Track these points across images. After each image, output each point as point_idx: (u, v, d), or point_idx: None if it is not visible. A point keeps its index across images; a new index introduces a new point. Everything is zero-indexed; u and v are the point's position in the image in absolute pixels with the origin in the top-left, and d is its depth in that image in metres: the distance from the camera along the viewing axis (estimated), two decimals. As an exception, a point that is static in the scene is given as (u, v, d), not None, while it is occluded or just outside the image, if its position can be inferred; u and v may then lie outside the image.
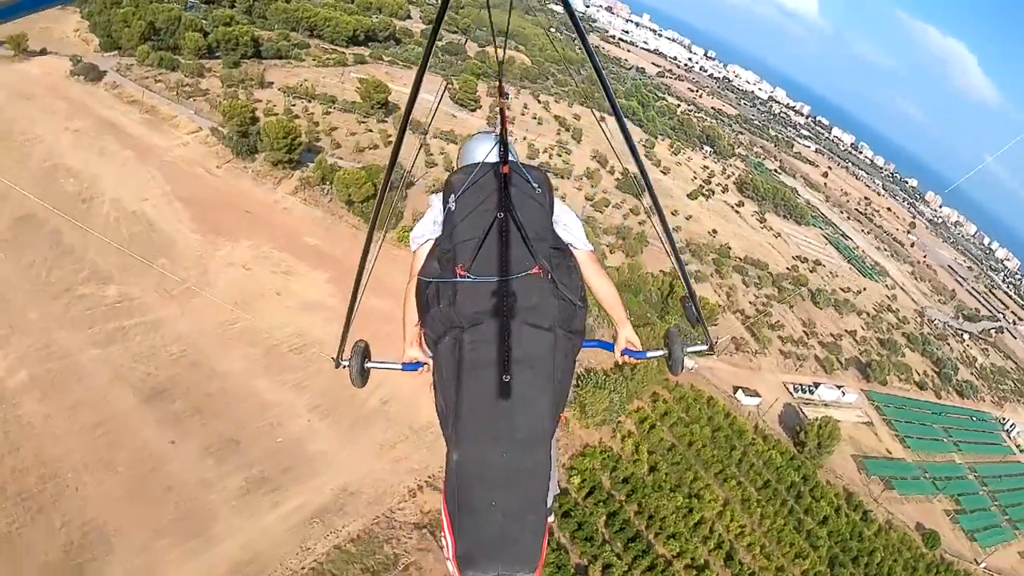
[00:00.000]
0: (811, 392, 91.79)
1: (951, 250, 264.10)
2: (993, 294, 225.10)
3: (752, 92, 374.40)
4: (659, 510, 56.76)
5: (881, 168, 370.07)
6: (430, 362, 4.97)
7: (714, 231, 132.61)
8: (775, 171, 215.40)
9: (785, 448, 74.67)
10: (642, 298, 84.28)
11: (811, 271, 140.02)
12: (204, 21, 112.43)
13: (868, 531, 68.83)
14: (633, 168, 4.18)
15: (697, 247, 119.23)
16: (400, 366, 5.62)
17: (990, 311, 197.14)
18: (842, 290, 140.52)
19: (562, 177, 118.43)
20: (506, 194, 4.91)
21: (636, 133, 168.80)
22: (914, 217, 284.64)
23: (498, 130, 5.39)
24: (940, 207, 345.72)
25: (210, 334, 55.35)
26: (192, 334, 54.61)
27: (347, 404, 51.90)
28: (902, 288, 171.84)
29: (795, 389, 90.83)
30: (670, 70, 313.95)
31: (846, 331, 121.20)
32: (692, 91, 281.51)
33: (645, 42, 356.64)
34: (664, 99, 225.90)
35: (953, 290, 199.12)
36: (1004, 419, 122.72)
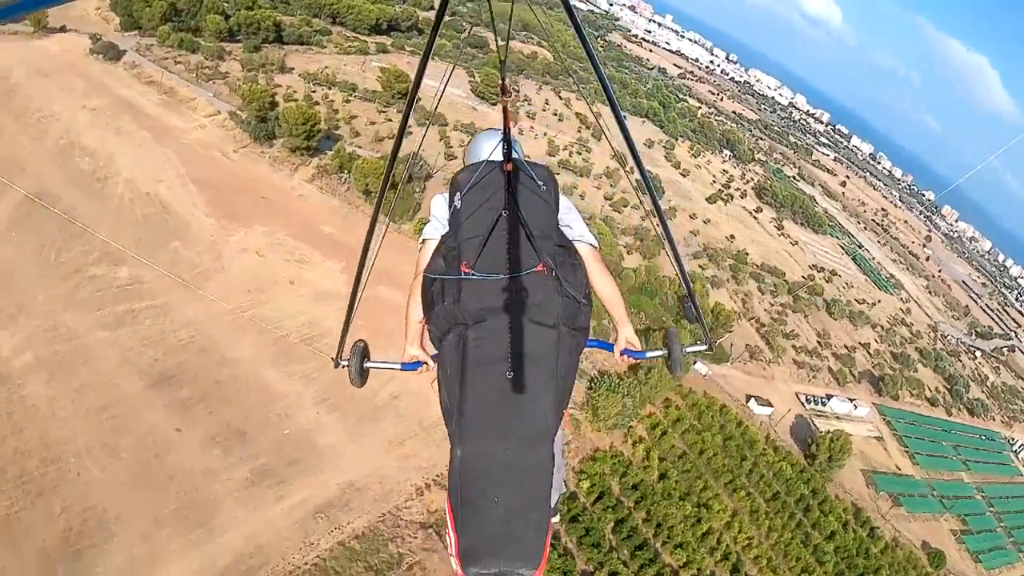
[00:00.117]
0: (823, 404, 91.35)
1: (966, 265, 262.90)
2: (1006, 312, 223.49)
3: (773, 97, 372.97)
4: (667, 518, 56.31)
5: (899, 179, 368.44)
6: (430, 361, 5.36)
7: (732, 236, 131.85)
8: (794, 178, 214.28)
9: (796, 460, 74.27)
10: (658, 301, 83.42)
11: (827, 281, 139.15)
12: (226, 4, 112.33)
13: (875, 548, 68.17)
14: (634, 167, 4.16)
15: (714, 252, 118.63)
16: (399, 366, 5.65)
17: (1003, 329, 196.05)
18: (857, 301, 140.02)
19: (581, 175, 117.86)
20: (510, 192, 4.99)
21: (656, 134, 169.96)
22: (930, 231, 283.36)
23: (504, 128, 5.29)
24: (956, 221, 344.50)
25: (220, 320, 54.65)
26: (202, 319, 54.03)
27: (357, 398, 50.90)
28: (916, 302, 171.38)
29: (807, 400, 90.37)
30: (691, 72, 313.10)
31: (860, 343, 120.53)
32: (713, 94, 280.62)
33: (667, 43, 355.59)
34: (685, 101, 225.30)
35: (967, 306, 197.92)
36: (1013, 439, 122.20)
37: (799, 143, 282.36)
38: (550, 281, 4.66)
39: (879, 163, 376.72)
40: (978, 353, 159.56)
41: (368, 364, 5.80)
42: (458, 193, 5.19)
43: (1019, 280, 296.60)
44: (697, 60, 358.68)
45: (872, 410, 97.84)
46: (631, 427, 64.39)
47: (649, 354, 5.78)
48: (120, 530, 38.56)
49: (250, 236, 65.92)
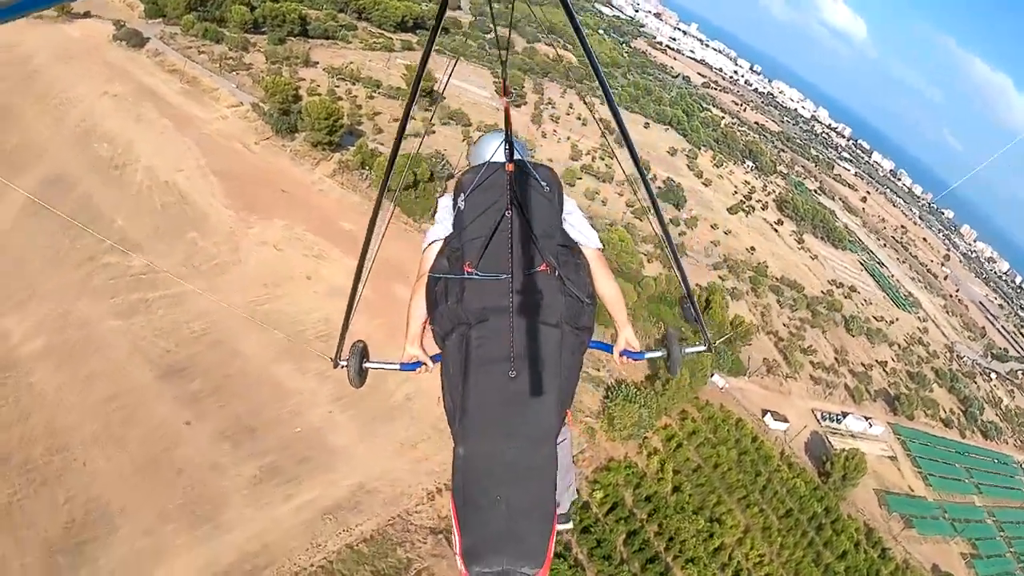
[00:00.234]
0: (838, 421, 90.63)
1: (983, 286, 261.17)
2: (1023, 334, 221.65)
3: (795, 110, 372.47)
4: (679, 532, 55.71)
5: (919, 197, 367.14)
6: (429, 362, 5.36)
7: (752, 248, 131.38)
8: (815, 192, 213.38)
9: (810, 477, 73.48)
10: (677, 311, 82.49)
11: (846, 297, 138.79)
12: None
13: (885, 570, 67.32)
14: (637, 173, 4.24)
15: (735, 263, 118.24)
16: (398, 366, 5.65)
17: (1019, 352, 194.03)
18: (875, 319, 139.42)
19: (604, 181, 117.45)
20: (512, 192, 4.97)
21: (680, 142, 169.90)
22: (948, 249, 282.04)
23: (506, 129, 5.19)
24: (975, 241, 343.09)
25: (235, 313, 53.80)
26: (216, 311, 53.08)
27: (371, 397, 50.53)
28: (934, 321, 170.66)
29: (823, 417, 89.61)
30: (715, 81, 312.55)
31: (877, 361, 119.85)
32: (736, 104, 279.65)
33: (692, 51, 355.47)
34: (708, 110, 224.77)
35: (983, 327, 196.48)
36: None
37: (821, 157, 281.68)
38: (553, 281, 4.73)
39: (899, 180, 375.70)
40: (993, 375, 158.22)
41: (367, 364, 5.81)
42: (462, 195, 5.21)
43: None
44: (721, 70, 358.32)
45: (887, 429, 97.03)
46: (646, 438, 63.72)
47: (648, 355, 5.79)
48: (124, 523, 38.03)
49: (268, 229, 65.51)
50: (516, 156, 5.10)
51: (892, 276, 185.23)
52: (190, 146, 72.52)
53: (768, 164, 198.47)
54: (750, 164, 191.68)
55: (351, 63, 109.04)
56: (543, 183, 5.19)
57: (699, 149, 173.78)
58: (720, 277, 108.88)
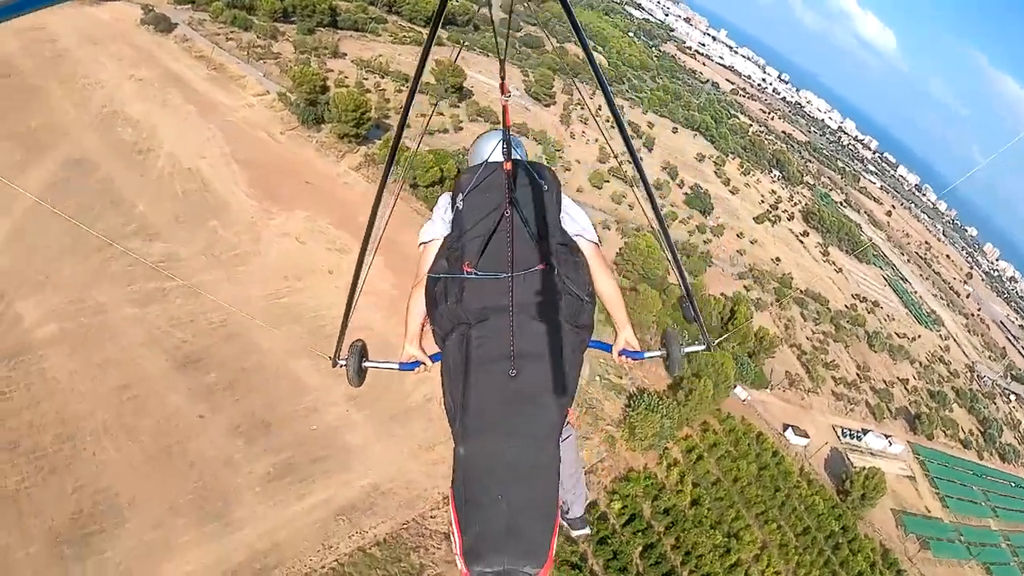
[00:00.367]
0: (859, 439, 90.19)
1: (1004, 306, 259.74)
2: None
3: (822, 120, 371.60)
4: (697, 547, 55.02)
5: (943, 213, 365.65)
6: (428, 361, 5.28)
7: (777, 259, 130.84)
8: (841, 204, 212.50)
9: (828, 495, 73.01)
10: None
11: (869, 312, 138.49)
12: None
13: (900, 593, 66.90)
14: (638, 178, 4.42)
15: (760, 274, 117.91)
16: (398, 365, 5.60)
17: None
18: (897, 335, 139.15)
19: (630, 186, 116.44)
20: (511, 191, 4.94)
21: (707, 148, 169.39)
22: (971, 267, 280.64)
23: (504, 128, 5.25)
24: (997, 260, 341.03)
25: (254, 306, 53.66)
26: (235, 303, 52.88)
27: (389, 397, 49.99)
28: (955, 340, 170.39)
29: (843, 434, 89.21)
30: (743, 88, 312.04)
31: (898, 378, 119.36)
32: (764, 112, 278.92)
33: (720, 57, 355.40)
34: (736, 117, 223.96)
35: (1004, 348, 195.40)
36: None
37: (847, 168, 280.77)
38: (553, 279, 4.70)
39: (924, 195, 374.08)
40: (1013, 397, 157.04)
41: (366, 364, 5.77)
42: (460, 194, 5.16)
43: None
44: (749, 77, 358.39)
45: (906, 448, 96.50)
46: (667, 448, 63.21)
47: (648, 354, 5.64)
48: (133, 515, 37.60)
49: (291, 221, 65.16)
50: (514, 155, 5.12)
51: (915, 292, 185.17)
52: (214, 133, 72.48)
53: (795, 174, 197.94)
54: (777, 173, 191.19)
55: (380, 56, 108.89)
56: (541, 181, 5.15)
57: (727, 156, 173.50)
58: (745, 287, 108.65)
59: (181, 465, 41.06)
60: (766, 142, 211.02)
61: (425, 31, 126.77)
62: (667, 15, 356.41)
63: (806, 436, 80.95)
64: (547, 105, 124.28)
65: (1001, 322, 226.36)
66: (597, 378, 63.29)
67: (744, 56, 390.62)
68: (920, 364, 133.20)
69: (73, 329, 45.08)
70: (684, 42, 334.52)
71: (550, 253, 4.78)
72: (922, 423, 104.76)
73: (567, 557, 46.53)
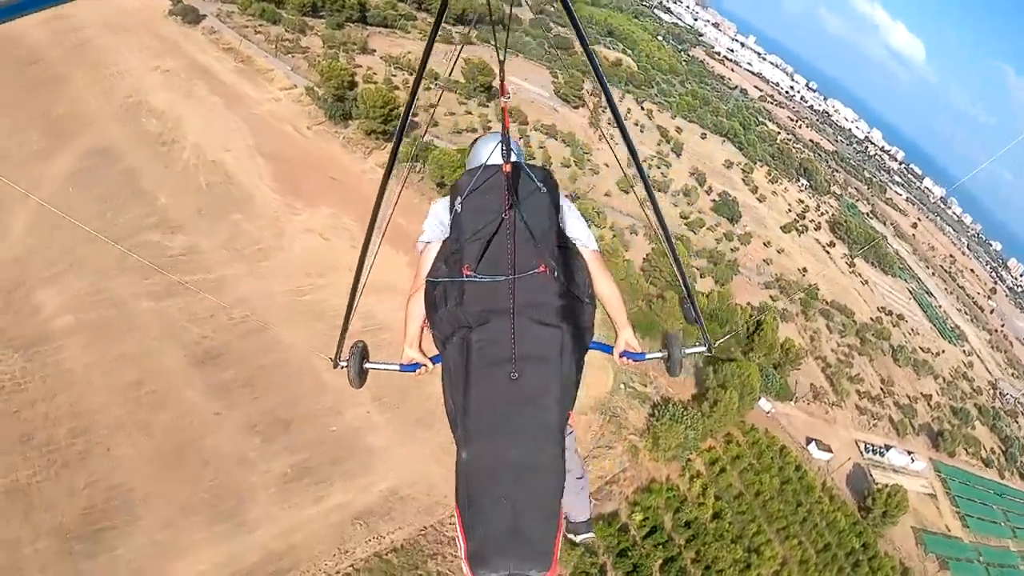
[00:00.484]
0: (881, 454, 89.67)
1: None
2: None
3: (850, 130, 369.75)
4: (717, 561, 54.83)
5: (968, 227, 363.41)
6: (428, 363, 5.28)
7: (804, 269, 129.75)
8: (867, 215, 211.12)
9: (850, 511, 72.41)
10: (728, 328, 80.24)
11: (894, 325, 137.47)
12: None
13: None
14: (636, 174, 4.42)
15: (787, 284, 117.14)
16: (398, 367, 5.53)
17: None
18: (922, 349, 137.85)
19: (659, 190, 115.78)
20: (510, 194, 4.95)
21: (735, 155, 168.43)
22: (995, 282, 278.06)
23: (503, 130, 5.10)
24: (1021, 275, 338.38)
25: (275, 302, 53.30)
26: (256, 299, 52.58)
27: (412, 399, 49.05)
28: (978, 356, 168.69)
29: (866, 449, 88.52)
30: (771, 95, 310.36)
31: (922, 394, 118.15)
32: (791, 120, 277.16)
33: (749, 63, 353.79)
34: (764, 124, 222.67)
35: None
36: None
37: (874, 179, 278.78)
38: (552, 281, 4.72)
39: (950, 208, 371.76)
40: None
41: (367, 365, 5.68)
42: (459, 197, 5.19)
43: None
44: (778, 84, 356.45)
45: (928, 465, 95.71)
46: (689, 460, 62.76)
47: (649, 356, 5.60)
48: (146, 513, 37.37)
49: (315, 217, 64.80)
50: (513, 158, 4.99)
51: (940, 307, 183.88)
52: (239, 126, 72.34)
53: (822, 184, 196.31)
54: (804, 182, 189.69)
55: (409, 53, 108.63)
56: (540, 184, 5.19)
57: (755, 163, 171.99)
58: (771, 297, 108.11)
59: (195, 463, 40.81)
60: (794, 150, 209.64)
61: (455, 29, 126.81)
62: (696, 20, 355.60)
63: (829, 451, 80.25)
64: (576, 107, 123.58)
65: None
66: (622, 386, 62.65)
67: (772, 63, 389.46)
68: (943, 380, 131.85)
69: (90, 320, 44.88)
70: (713, 47, 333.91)
71: (550, 255, 4.81)
72: (944, 440, 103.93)
73: (586, 569, 46.04)
